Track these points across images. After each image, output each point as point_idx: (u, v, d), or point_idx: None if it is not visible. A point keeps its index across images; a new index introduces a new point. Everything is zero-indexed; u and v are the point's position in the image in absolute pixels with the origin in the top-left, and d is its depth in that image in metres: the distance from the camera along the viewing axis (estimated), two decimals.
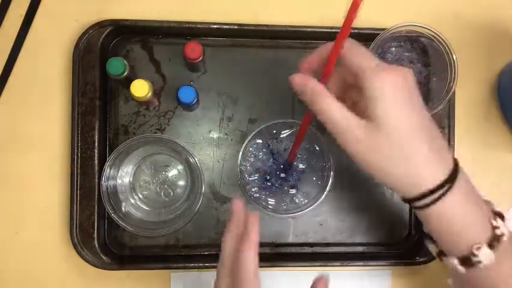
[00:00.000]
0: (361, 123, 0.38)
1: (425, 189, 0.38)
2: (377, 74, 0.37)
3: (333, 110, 0.38)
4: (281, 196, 0.55)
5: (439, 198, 0.38)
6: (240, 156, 0.53)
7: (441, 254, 0.43)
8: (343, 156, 0.58)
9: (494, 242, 0.38)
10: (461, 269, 0.40)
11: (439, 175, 0.38)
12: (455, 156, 0.41)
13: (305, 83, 0.39)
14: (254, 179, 0.55)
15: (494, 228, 0.39)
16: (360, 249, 0.58)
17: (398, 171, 0.38)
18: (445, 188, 0.38)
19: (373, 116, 0.37)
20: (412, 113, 0.38)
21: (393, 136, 0.37)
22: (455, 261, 0.40)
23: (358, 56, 0.39)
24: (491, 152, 0.60)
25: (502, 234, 0.39)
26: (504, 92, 0.59)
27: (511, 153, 0.61)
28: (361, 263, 0.57)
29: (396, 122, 0.37)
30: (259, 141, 0.55)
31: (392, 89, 0.37)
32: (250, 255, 0.39)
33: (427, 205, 0.38)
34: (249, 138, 0.53)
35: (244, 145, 0.52)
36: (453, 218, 0.39)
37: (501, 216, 0.40)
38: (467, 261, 0.39)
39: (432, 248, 0.45)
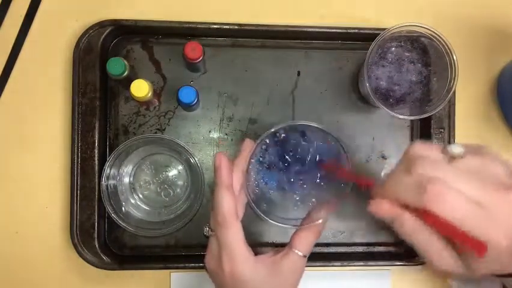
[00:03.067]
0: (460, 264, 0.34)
1: None
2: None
3: (439, 257, 0.34)
4: (290, 204, 0.50)
5: None
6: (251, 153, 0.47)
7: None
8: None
9: None
10: None
11: None
12: None
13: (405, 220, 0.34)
14: (263, 183, 0.49)
15: None
16: (360, 249, 0.59)
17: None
18: None
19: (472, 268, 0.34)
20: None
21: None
22: None
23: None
24: None
25: None
26: (504, 92, 0.59)
27: (511, 153, 0.61)
28: (361, 263, 0.57)
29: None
30: (276, 139, 0.49)
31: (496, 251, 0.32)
32: (219, 195, 0.42)
33: None
34: (266, 134, 0.47)
35: (259, 140, 0.46)
36: None
37: None
38: None
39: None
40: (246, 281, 0.42)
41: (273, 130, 0.46)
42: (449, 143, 0.57)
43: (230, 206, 0.42)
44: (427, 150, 0.34)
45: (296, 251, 0.44)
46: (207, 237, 0.45)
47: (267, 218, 0.47)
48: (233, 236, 0.42)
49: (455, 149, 0.33)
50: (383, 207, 0.35)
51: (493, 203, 0.31)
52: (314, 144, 0.51)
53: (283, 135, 0.50)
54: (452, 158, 0.33)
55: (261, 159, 0.49)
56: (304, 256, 0.45)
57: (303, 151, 0.50)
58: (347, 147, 0.47)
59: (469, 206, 0.31)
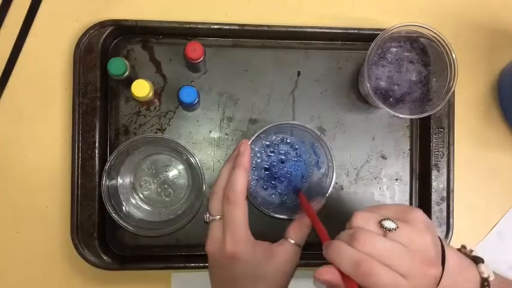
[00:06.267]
0: None
1: None
2: None
3: None
4: (283, 196, 0.55)
5: None
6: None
7: None
8: (345, 156, 0.58)
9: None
10: None
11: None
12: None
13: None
14: (257, 177, 0.54)
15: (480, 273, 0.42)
16: None
17: None
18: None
19: None
20: None
21: None
22: None
23: None
24: (491, 151, 0.60)
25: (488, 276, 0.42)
26: (504, 92, 0.59)
27: (511, 153, 0.61)
28: None
29: None
30: (266, 142, 0.54)
31: None
32: (237, 173, 0.46)
33: None
34: (257, 134, 0.51)
35: (252, 139, 0.50)
36: None
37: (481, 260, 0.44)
38: None
39: None
40: (243, 262, 0.45)
41: (259, 132, 0.50)
42: (449, 142, 0.57)
43: (244, 186, 0.46)
44: (367, 223, 0.40)
45: (290, 240, 0.48)
46: (207, 223, 0.48)
47: (272, 212, 0.50)
48: (240, 214, 0.45)
49: (389, 225, 0.39)
50: (324, 277, 0.40)
51: (417, 276, 0.38)
52: (300, 144, 0.55)
53: (272, 136, 0.54)
54: (387, 231, 0.39)
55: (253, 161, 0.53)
56: (298, 246, 0.48)
57: (290, 152, 0.55)
58: (327, 145, 0.51)
59: (394, 280, 0.37)
